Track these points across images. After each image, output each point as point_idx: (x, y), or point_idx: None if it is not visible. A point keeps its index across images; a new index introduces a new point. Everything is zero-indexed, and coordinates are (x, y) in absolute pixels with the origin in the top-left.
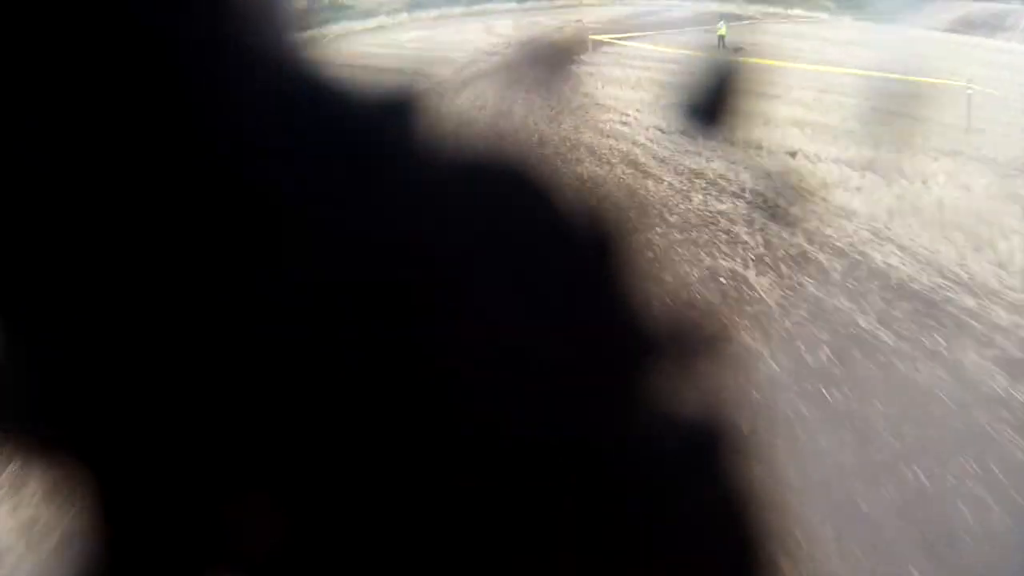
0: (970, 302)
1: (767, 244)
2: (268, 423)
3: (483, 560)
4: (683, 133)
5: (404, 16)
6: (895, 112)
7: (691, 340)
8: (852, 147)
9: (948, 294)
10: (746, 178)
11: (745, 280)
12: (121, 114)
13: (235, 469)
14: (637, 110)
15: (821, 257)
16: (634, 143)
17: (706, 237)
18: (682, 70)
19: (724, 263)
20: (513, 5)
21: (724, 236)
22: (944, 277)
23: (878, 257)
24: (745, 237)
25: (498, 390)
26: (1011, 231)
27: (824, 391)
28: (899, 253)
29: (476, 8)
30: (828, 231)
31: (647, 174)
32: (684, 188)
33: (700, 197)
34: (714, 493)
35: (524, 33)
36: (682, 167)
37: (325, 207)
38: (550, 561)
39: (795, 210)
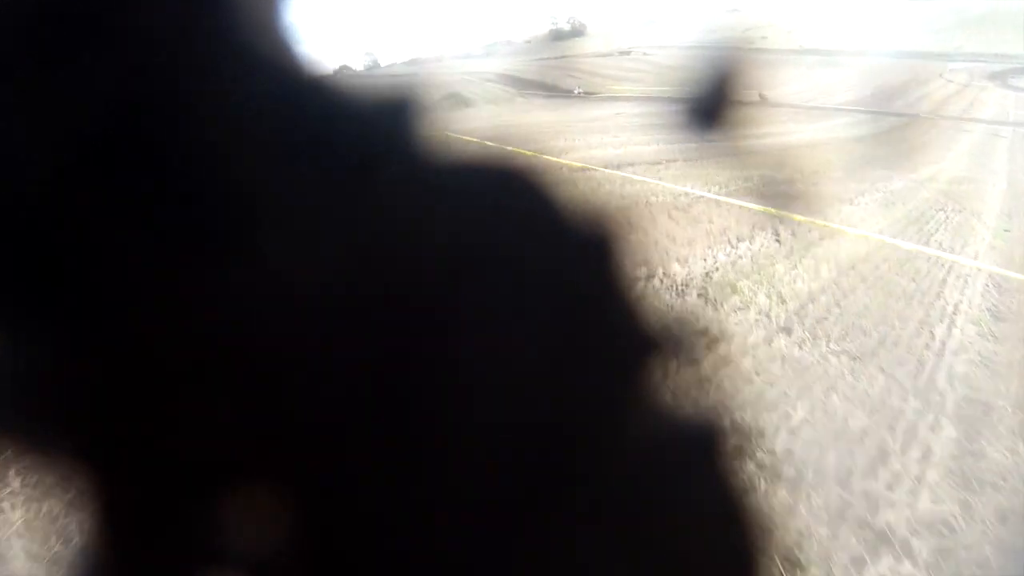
0: None
1: None
2: (265, 424)
3: (478, 559)
4: None
5: None
6: None
7: (688, 341)
8: None
9: None
10: None
11: None
12: (115, 114)
13: (233, 469)
14: None
15: None
16: None
17: None
18: None
19: None
20: None
21: None
22: None
23: None
24: None
25: (494, 391)
26: None
27: None
28: None
29: None
30: None
31: None
32: None
33: None
34: (710, 493)
35: None
36: None
37: (321, 210)
38: (546, 559)
39: None
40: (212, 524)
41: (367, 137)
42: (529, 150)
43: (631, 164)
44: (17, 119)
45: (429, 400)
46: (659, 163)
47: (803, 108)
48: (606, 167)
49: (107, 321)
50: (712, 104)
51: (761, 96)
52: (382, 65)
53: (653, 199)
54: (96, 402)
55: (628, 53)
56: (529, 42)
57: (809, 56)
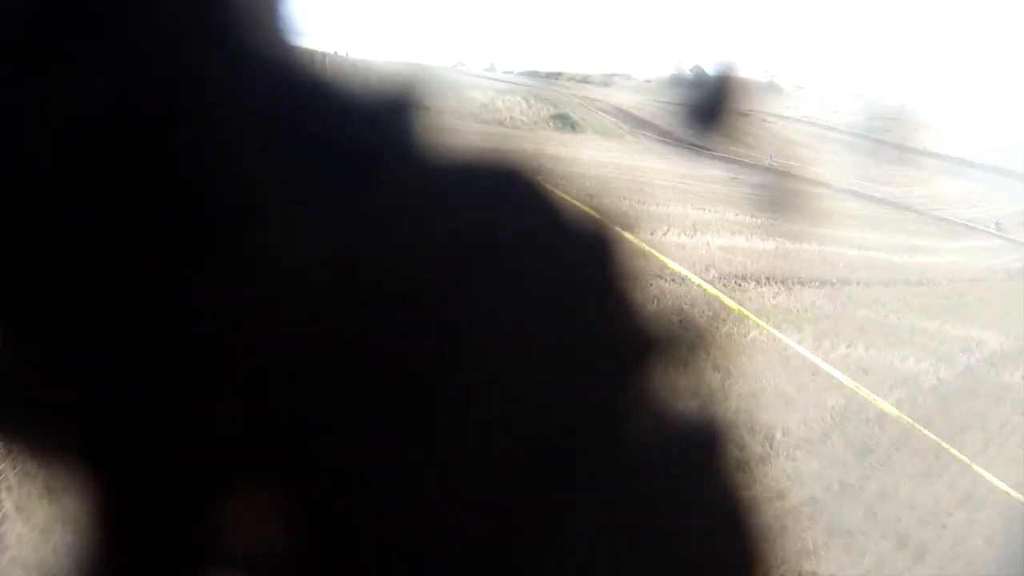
0: None
1: None
2: (267, 424)
3: (478, 558)
4: None
5: None
6: None
7: (686, 342)
8: None
9: None
10: None
11: None
12: (117, 115)
13: (235, 469)
14: None
15: None
16: None
17: None
18: None
19: None
20: None
21: None
22: None
23: None
24: None
25: (494, 391)
26: None
27: None
28: None
29: None
30: None
31: None
32: None
33: None
34: (711, 492)
35: None
36: None
37: (321, 208)
38: (546, 559)
39: None
40: (212, 522)
41: (370, 137)
42: (623, 217)
43: (772, 279)
44: (19, 120)
45: (429, 399)
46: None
47: (931, 217)
48: (731, 279)
49: (108, 321)
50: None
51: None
52: (498, 69)
53: (866, 413)
54: (97, 401)
55: (746, 115)
56: (649, 81)
57: (932, 160)
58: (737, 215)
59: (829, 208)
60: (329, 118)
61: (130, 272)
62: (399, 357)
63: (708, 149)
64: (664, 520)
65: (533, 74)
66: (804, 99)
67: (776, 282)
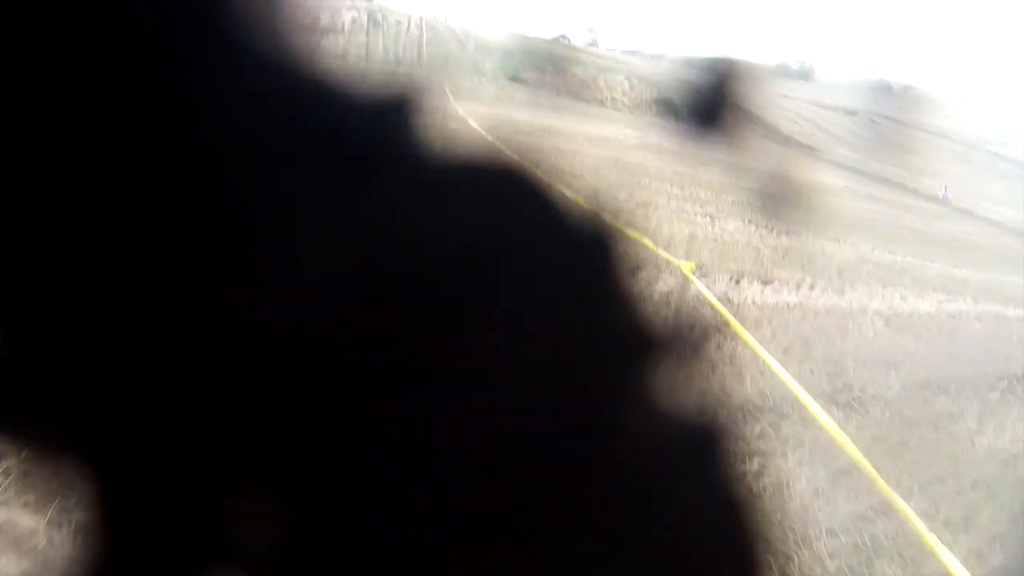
0: None
1: None
2: (268, 423)
3: (476, 561)
4: None
5: None
6: None
7: (688, 340)
8: None
9: None
10: None
11: None
12: (112, 112)
13: (235, 468)
14: None
15: None
16: None
17: None
18: None
19: None
20: None
21: None
22: None
23: None
24: None
25: (491, 393)
26: None
27: None
28: None
29: None
30: None
31: None
32: None
33: None
34: (710, 493)
35: None
36: None
37: (322, 208)
38: (546, 560)
39: None
40: (210, 525)
41: (369, 136)
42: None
43: (961, 384)
44: (17, 119)
45: (427, 402)
46: None
47: None
48: (916, 391)
49: (108, 322)
50: None
51: None
52: (600, 45)
53: None
54: (98, 403)
55: (854, 114)
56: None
57: None
58: (874, 250)
59: (959, 234)
60: (331, 116)
61: (130, 272)
62: (399, 357)
63: (817, 150)
64: (664, 520)
65: (636, 53)
66: (914, 102)
67: (967, 392)
